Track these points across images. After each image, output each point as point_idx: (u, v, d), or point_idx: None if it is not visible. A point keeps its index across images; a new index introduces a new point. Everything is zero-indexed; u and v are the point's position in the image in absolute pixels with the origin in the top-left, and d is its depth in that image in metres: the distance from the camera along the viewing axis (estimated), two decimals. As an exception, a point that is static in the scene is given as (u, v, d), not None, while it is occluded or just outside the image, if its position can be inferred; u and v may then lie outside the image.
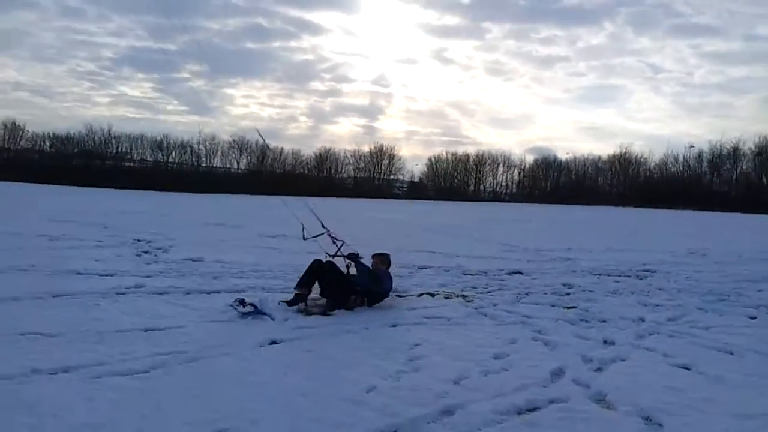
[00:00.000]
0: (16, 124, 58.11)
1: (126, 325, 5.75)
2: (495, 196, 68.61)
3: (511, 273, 10.36)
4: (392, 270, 9.24)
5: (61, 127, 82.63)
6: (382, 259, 7.68)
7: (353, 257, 7.38)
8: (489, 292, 8.45)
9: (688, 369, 5.07)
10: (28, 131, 58.77)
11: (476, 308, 7.28)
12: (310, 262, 7.16)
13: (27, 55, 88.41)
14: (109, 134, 59.58)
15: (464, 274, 9.98)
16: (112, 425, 3.51)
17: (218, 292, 7.61)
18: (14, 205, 22.90)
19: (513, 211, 37.38)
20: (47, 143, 59.32)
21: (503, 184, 72.47)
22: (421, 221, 24.70)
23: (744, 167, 63.64)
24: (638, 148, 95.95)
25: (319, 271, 7.08)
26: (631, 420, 3.86)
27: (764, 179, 61.55)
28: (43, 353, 4.78)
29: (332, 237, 7.61)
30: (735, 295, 8.82)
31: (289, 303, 6.84)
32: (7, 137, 58.24)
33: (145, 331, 5.61)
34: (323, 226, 7.72)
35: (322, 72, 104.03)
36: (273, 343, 5.45)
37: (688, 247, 15.94)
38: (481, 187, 71.69)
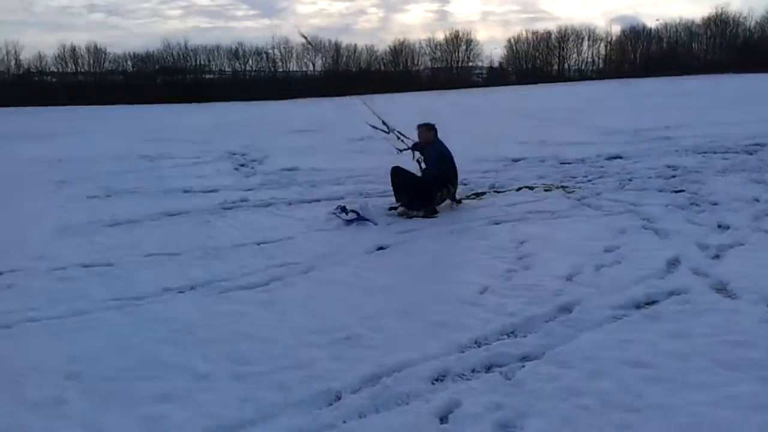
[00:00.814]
0: (98, 47, 59.60)
1: (239, 240, 6.03)
2: (581, 75, 65.40)
3: (610, 158, 10.03)
4: (486, 165, 9.17)
5: (138, 44, 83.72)
6: (428, 127, 7.14)
7: (417, 147, 7.18)
8: (590, 180, 8.24)
9: (814, 251, 4.84)
10: (109, 53, 60.23)
11: (579, 199, 7.14)
12: (390, 175, 7.08)
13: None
14: (186, 48, 60.19)
15: (561, 164, 9.74)
16: (245, 338, 3.72)
17: (318, 200, 7.80)
18: (111, 128, 23.89)
19: (603, 89, 35.71)
20: (129, 63, 60.71)
21: (589, 60, 68.71)
22: (507, 109, 24.06)
23: None
24: (736, 6, 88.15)
25: (398, 180, 6.99)
26: (756, 309, 3.74)
27: None
28: (169, 272, 5.12)
29: (398, 134, 7.37)
30: None
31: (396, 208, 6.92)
32: (92, 61, 59.97)
33: (258, 244, 5.86)
34: (384, 123, 7.51)
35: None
36: (380, 248, 5.58)
37: (800, 113, 14.85)
38: (566, 65, 68.31)
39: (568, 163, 9.74)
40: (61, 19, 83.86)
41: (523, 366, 3.18)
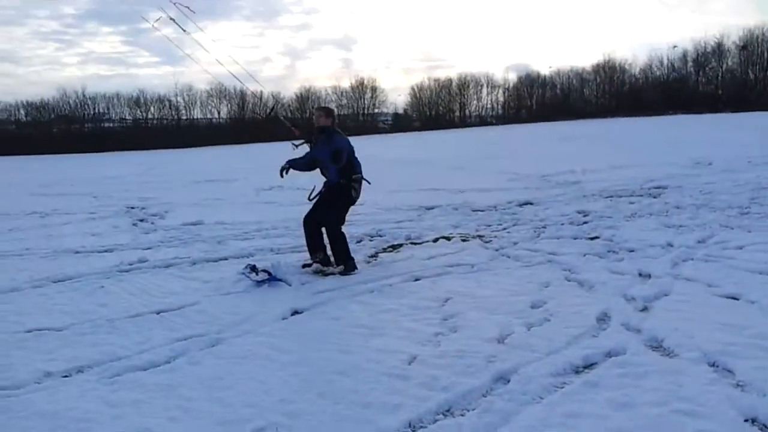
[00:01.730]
0: (-14, 95, 56.31)
1: (137, 309, 5.40)
2: (482, 121, 67.54)
3: (521, 204, 10.05)
4: (399, 214, 8.91)
5: (33, 92, 79.73)
6: (327, 112, 6.66)
7: (311, 140, 6.68)
8: (505, 228, 8.15)
9: (737, 299, 4.80)
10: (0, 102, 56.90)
11: (497, 249, 6.97)
12: (303, 227, 6.57)
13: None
14: (84, 96, 57.66)
15: (474, 211, 9.66)
16: (141, 433, 3.20)
17: (226, 258, 7.25)
18: (-3, 180, 22.24)
19: (503, 134, 36.80)
20: (22, 112, 57.49)
21: (488, 106, 71.17)
22: (416, 155, 24.17)
23: (729, 63, 62.51)
24: (621, 54, 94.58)
25: (311, 230, 6.51)
26: (698, 369, 3.56)
27: (750, 74, 60.60)
28: (53, 352, 4.44)
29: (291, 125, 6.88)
30: (756, 206, 8.59)
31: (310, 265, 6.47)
32: (-22, 111, 56.39)
33: (158, 313, 5.26)
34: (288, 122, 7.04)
35: (291, 5, 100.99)
36: (296, 313, 5.13)
37: (691, 156, 15.60)
38: (467, 111, 70.45)
39: (481, 211, 9.67)
40: (-57, 65, 79.00)
41: (466, 454, 2.83)
